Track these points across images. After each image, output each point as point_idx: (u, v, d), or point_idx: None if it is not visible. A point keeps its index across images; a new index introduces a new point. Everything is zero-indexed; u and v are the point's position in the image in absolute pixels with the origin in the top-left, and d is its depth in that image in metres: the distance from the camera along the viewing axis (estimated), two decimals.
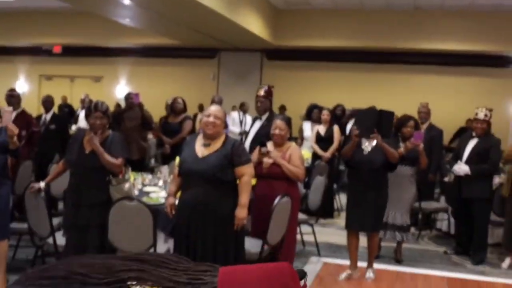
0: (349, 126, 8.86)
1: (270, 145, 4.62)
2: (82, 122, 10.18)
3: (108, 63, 15.19)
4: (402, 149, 5.19)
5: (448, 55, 12.47)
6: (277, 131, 4.57)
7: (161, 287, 1.16)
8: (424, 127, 7.44)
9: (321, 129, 7.84)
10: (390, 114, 4.88)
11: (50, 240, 4.13)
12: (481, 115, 5.72)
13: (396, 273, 5.30)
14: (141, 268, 1.20)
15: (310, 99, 10.24)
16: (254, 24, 11.35)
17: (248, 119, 9.36)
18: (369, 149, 4.79)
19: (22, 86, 15.66)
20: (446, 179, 7.18)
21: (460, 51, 12.09)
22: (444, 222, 7.23)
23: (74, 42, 14.40)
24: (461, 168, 5.77)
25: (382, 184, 4.88)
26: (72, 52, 15.03)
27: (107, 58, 15.07)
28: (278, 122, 4.61)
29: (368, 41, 12.46)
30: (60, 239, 4.13)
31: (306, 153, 8.37)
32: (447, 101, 12.34)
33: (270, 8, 12.49)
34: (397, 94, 12.56)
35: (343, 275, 5.03)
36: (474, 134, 5.84)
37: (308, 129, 8.55)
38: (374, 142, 4.80)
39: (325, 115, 7.87)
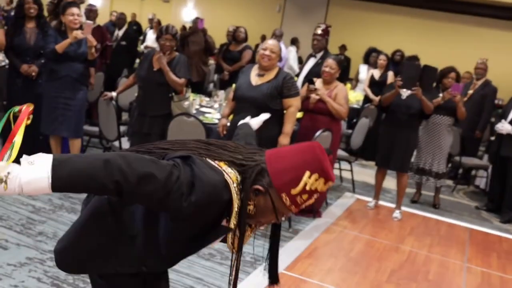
0: None
1: (318, 82, 4.95)
2: (149, 41, 10.64)
3: None
4: (440, 98, 5.47)
5: None
6: (327, 69, 4.87)
7: (223, 160, 1.60)
8: (478, 83, 7.54)
9: (376, 73, 8.00)
10: (433, 70, 5.16)
11: (116, 143, 4.70)
12: None
13: (422, 217, 5.66)
14: (208, 148, 1.64)
15: (371, 42, 10.28)
16: None
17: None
18: (408, 93, 5.05)
19: (94, 1, 16.20)
20: (492, 138, 7.31)
21: None
22: (483, 179, 7.38)
23: None
24: (504, 126, 5.93)
25: (414, 128, 5.28)
26: None
27: None
28: (330, 61, 4.91)
29: None
30: (125, 143, 4.68)
31: (358, 95, 8.61)
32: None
33: None
34: (459, 46, 12.34)
35: (371, 204, 5.65)
36: None
37: (364, 72, 8.72)
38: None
39: (382, 59, 7.97)
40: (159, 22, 11.11)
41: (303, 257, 4.08)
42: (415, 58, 7.36)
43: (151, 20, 11.86)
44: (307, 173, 1.55)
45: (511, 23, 12.33)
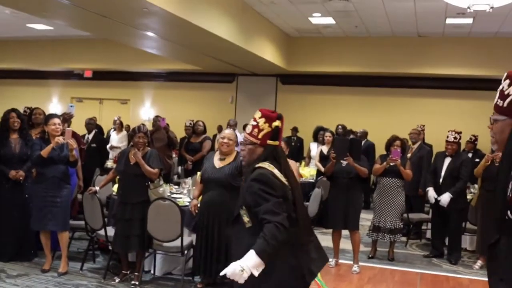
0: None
1: None
2: (114, 141, 11.40)
3: (134, 87, 16.37)
4: (385, 163, 6.38)
5: (449, 79, 13.15)
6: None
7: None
8: (415, 147, 8.56)
9: (324, 148, 8.88)
10: (359, 141, 6.30)
11: (102, 232, 5.31)
12: (451, 138, 6.79)
13: (379, 269, 6.36)
14: None
15: (320, 121, 11.23)
16: (269, 52, 12.49)
17: None
18: (346, 163, 5.96)
19: (55, 107, 16.98)
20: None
21: (461, 75, 12.82)
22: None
23: (104, 67, 15.57)
24: (444, 199, 6.77)
25: (357, 190, 6.16)
26: (101, 76, 16.23)
27: (133, 82, 16.24)
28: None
29: (375, 66, 13.39)
30: (110, 231, 5.29)
31: (312, 170, 9.47)
32: (448, 123, 13.21)
33: (283, 36, 13.57)
34: (401, 115, 13.47)
35: (332, 262, 6.32)
36: (447, 153, 6.91)
37: (314, 149, 9.64)
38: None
39: (328, 136, 8.86)
40: (121, 123, 11.95)
41: None
42: (349, 132, 8.38)
43: (115, 121, 12.66)
44: None
45: (443, 91, 13.66)
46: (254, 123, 2.91)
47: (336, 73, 14.01)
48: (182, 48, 11.37)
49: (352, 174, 6.09)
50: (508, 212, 1.84)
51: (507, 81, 2.01)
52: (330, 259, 6.42)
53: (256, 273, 2.51)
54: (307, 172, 9.11)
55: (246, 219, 2.81)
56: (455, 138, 6.81)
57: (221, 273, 2.58)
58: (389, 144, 6.72)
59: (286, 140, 5.98)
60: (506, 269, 1.85)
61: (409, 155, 8.33)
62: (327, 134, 8.97)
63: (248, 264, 2.50)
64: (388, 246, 6.96)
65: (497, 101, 2.04)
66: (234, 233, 2.93)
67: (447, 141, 6.90)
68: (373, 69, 13.49)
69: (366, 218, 8.48)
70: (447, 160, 6.89)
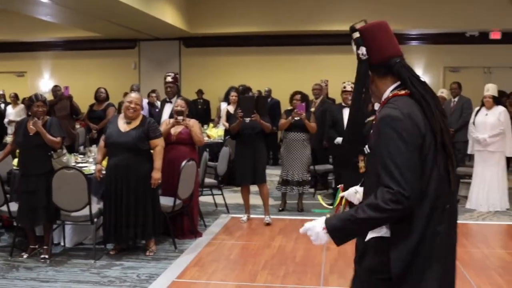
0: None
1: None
2: (11, 116, 10.89)
3: (31, 58, 15.52)
4: (290, 118, 6.59)
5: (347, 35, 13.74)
6: (178, 108, 5.74)
7: None
8: (317, 101, 8.85)
9: (230, 108, 8.97)
10: (264, 98, 6.30)
11: (4, 208, 5.10)
12: (348, 88, 7.06)
13: (289, 220, 6.63)
14: None
15: (226, 83, 11.27)
16: (169, 15, 12.25)
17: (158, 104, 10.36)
18: (248, 119, 6.12)
19: None
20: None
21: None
22: None
23: None
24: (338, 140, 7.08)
25: (261, 145, 6.35)
26: None
27: (29, 53, 15.40)
28: (179, 101, 5.86)
29: (276, 25, 13.47)
30: (13, 206, 5.10)
31: (219, 130, 9.55)
32: (350, 77, 13.71)
33: None
34: (305, 72, 13.68)
35: (244, 218, 6.50)
36: (344, 104, 7.18)
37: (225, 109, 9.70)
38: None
39: (233, 96, 8.99)
40: (16, 96, 11.42)
41: (190, 267, 4.81)
42: (248, 90, 8.54)
43: (2, 95, 12.06)
44: None
45: (343, 47, 14.03)
46: None
47: (238, 33, 14.00)
48: (78, 14, 10.92)
49: (257, 129, 6.24)
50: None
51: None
52: (242, 215, 6.60)
53: None
54: (215, 132, 9.19)
55: None
56: (351, 87, 7.06)
57: None
58: (291, 99, 6.95)
59: (184, 98, 6.02)
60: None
61: (313, 109, 8.62)
62: (233, 93, 9.07)
63: None
64: (297, 198, 7.24)
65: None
66: None
67: (344, 91, 7.14)
68: (275, 28, 13.61)
69: (275, 174, 8.74)
70: (346, 110, 7.17)
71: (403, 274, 1.93)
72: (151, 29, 13.22)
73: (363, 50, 2.12)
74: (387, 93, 2.09)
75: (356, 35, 2.15)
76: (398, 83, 2.07)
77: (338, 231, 1.96)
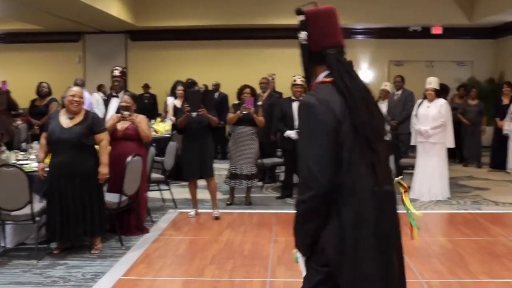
0: None
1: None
2: None
3: None
4: (238, 112, 6.58)
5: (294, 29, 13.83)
6: (124, 104, 5.63)
7: None
8: (265, 95, 8.87)
9: (177, 102, 8.87)
10: (211, 92, 6.28)
11: None
12: (298, 81, 7.12)
13: (237, 214, 6.63)
14: None
15: (173, 77, 11.12)
16: (115, 8, 11.99)
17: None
18: (195, 114, 6.06)
19: None
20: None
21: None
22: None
23: None
24: (292, 133, 7.14)
25: (208, 138, 6.32)
26: None
27: None
28: (125, 97, 5.73)
29: (223, 19, 13.47)
30: None
31: (167, 125, 9.45)
32: (297, 71, 13.82)
33: None
34: (252, 66, 13.72)
35: (192, 213, 6.45)
36: (293, 97, 7.26)
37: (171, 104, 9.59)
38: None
39: (180, 90, 8.89)
40: None
41: (137, 263, 4.73)
42: (194, 84, 8.48)
43: None
44: None
45: (290, 41, 14.12)
46: None
47: (186, 27, 13.93)
48: (18, 6, 10.54)
49: (203, 123, 6.20)
50: None
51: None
52: (190, 210, 6.55)
53: None
54: (162, 127, 9.08)
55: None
56: (302, 81, 7.13)
57: None
58: (239, 93, 6.93)
59: (131, 94, 5.91)
60: None
61: (260, 103, 8.65)
62: (179, 88, 8.97)
63: None
64: (245, 191, 7.24)
65: None
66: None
67: (294, 84, 7.22)
68: (223, 21, 13.59)
69: (223, 168, 8.72)
70: (295, 104, 7.23)
71: (337, 258, 1.99)
72: (95, 22, 12.94)
73: (304, 35, 2.16)
74: (317, 80, 2.15)
75: (302, 17, 2.19)
76: (329, 71, 2.12)
77: (297, 247, 2.18)
